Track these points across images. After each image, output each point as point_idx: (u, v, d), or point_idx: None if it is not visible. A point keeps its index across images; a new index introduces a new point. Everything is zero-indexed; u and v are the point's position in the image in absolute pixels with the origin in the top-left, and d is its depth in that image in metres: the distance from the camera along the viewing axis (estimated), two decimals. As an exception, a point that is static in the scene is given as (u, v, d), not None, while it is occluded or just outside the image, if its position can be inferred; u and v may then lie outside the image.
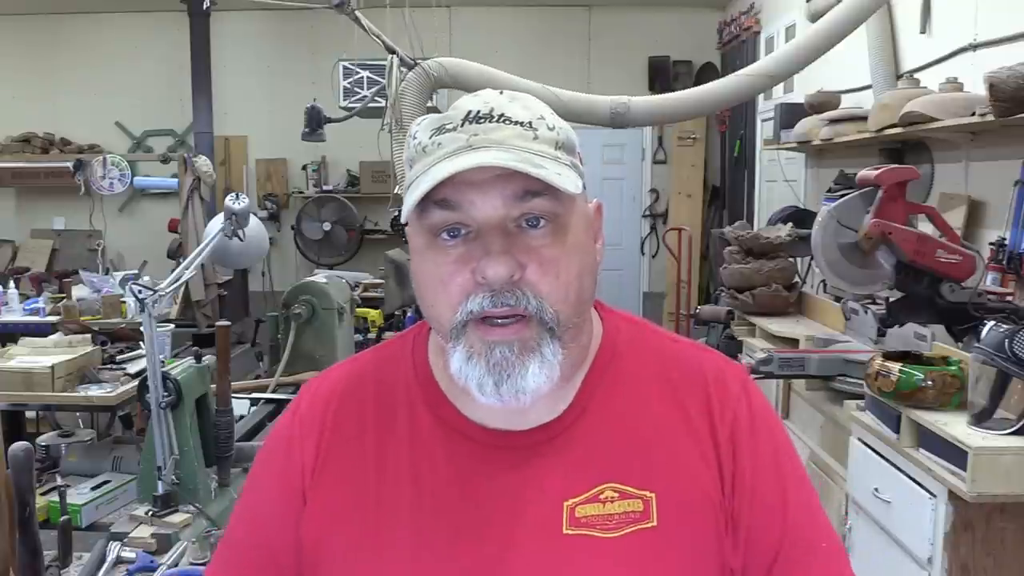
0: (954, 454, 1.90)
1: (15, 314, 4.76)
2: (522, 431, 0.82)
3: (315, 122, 3.83)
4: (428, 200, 0.75)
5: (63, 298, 4.78)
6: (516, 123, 0.76)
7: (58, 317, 4.41)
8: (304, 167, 7.45)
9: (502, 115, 0.76)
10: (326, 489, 0.84)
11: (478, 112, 0.76)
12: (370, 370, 0.90)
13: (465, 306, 0.75)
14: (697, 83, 4.64)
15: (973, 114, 2.63)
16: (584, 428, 0.82)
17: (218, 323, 2.22)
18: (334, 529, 0.82)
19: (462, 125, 0.76)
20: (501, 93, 0.80)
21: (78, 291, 4.78)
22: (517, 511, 0.79)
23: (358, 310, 4.12)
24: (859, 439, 2.36)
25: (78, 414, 3.67)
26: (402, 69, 3.36)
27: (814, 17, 4.02)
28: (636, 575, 0.78)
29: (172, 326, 4.12)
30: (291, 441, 0.87)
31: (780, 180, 5.14)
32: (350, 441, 0.85)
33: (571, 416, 0.83)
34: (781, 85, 4.50)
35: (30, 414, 3.68)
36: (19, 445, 1.46)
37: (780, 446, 0.86)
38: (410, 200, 0.74)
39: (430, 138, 0.77)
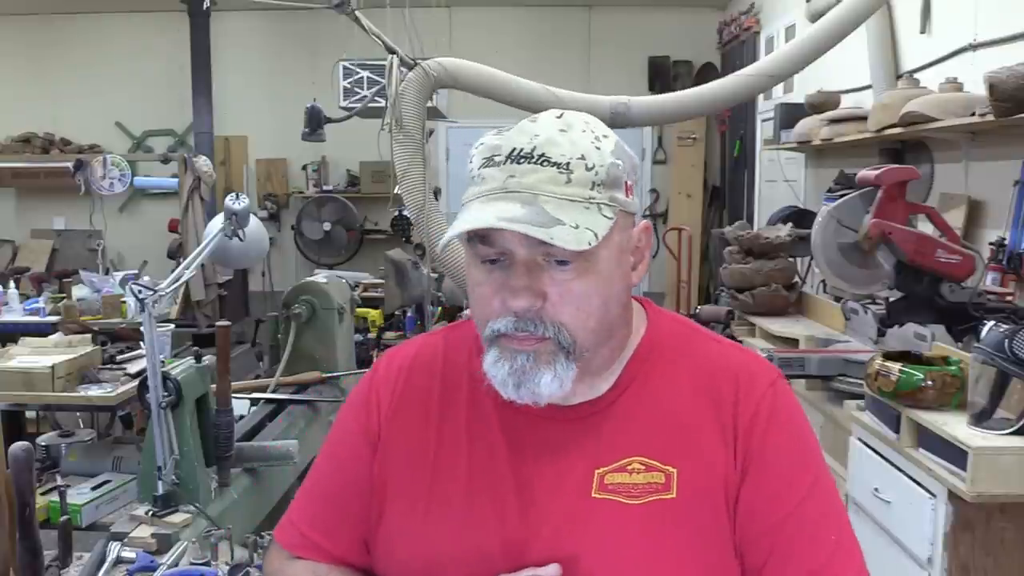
0: (954, 454, 1.90)
1: (15, 314, 4.75)
2: (566, 407, 0.93)
3: (315, 122, 3.82)
4: (472, 231, 0.86)
5: (63, 298, 4.77)
6: (553, 164, 0.84)
7: (58, 317, 4.40)
8: (304, 167, 7.46)
9: (542, 155, 0.84)
10: (395, 438, 0.98)
11: (521, 150, 0.85)
12: (440, 346, 1.03)
13: (494, 323, 0.88)
14: (697, 83, 4.64)
15: (973, 114, 2.63)
16: (619, 408, 0.93)
17: (218, 323, 2.21)
18: (398, 473, 0.96)
19: (505, 162, 0.85)
20: (560, 116, 0.88)
21: (78, 291, 4.77)
22: (555, 475, 0.91)
23: (358, 310, 4.11)
24: (859, 439, 2.36)
25: (78, 414, 3.66)
26: (402, 69, 3.35)
27: (814, 17, 4.02)
28: (653, 538, 0.88)
29: (172, 326, 4.11)
30: (370, 396, 1.02)
31: (780, 180, 5.14)
32: (418, 401, 0.99)
33: (609, 398, 0.94)
34: (781, 85, 4.50)
35: (30, 414, 3.68)
36: (19, 445, 1.45)
37: (797, 441, 0.94)
38: (448, 235, 0.86)
39: (479, 168, 0.87)
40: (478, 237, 0.86)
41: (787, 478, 0.91)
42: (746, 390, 0.93)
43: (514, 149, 0.85)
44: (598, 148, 0.86)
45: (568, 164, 0.84)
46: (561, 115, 0.88)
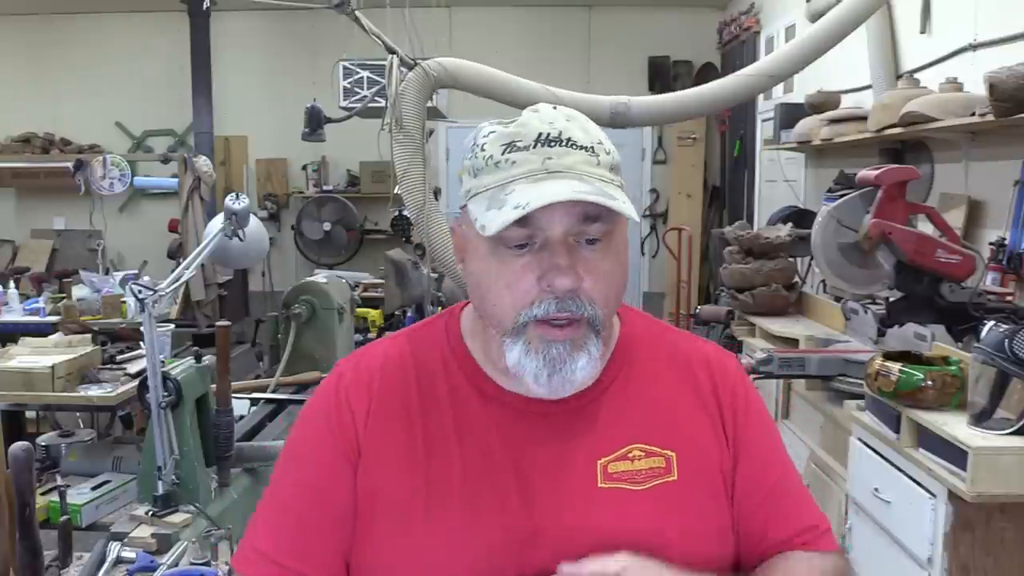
0: (954, 454, 1.90)
1: (15, 314, 4.76)
2: (555, 400, 0.92)
3: (315, 122, 3.83)
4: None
5: (63, 298, 4.77)
6: (581, 148, 0.86)
7: (58, 317, 4.41)
8: (304, 167, 7.45)
9: (569, 139, 0.86)
10: (378, 448, 0.93)
11: (548, 135, 0.86)
12: (407, 348, 0.99)
13: (530, 310, 0.86)
14: (697, 83, 4.64)
15: (973, 114, 2.63)
16: (609, 399, 0.95)
17: (218, 323, 2.22)
18: (389, 483, 0.91)
19: (534, 146, 0.85)
20: (555, 108, 0.90)
21: (78, 291, 4.78)
22: (556, 469, 0.91)
23: (358, 310, 4.12)
24: (859, 439, 2.36)
25: (78, 414, 3.67)
26: (402, 69, 3.35)
27: (814, 17, 4.02)
28: (662, 521, 0.91)
29: (172, 326, 4.11)
30: (340, 406, 0.95)
31: (780, 180, 5.14)
32: (397, 407, 0.94)
33: (598, 389, 0.95)
34: (781, 85, 4.50)
35: (30, 414, 3.68)
36: (19, 445, 1.46)
37: (765, 418, 1.03)
38: (501, 219, 0.82)
39: (502, 154, 0.86)
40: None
41: (767, 453, 0.99)
42: (720, 376, 0.99)
43: (540, 134, 0.86)
44: (604, 136, 0.90)
45: (593, 148, 0.87)
46: (556, 107, 0.90)
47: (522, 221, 0.83)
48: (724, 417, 0.97)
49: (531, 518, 0.89)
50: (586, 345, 0.88)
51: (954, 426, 1.94)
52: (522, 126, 0.87)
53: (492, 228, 0.83)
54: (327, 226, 7.14)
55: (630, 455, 0.92)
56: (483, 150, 0.87)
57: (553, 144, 0.85)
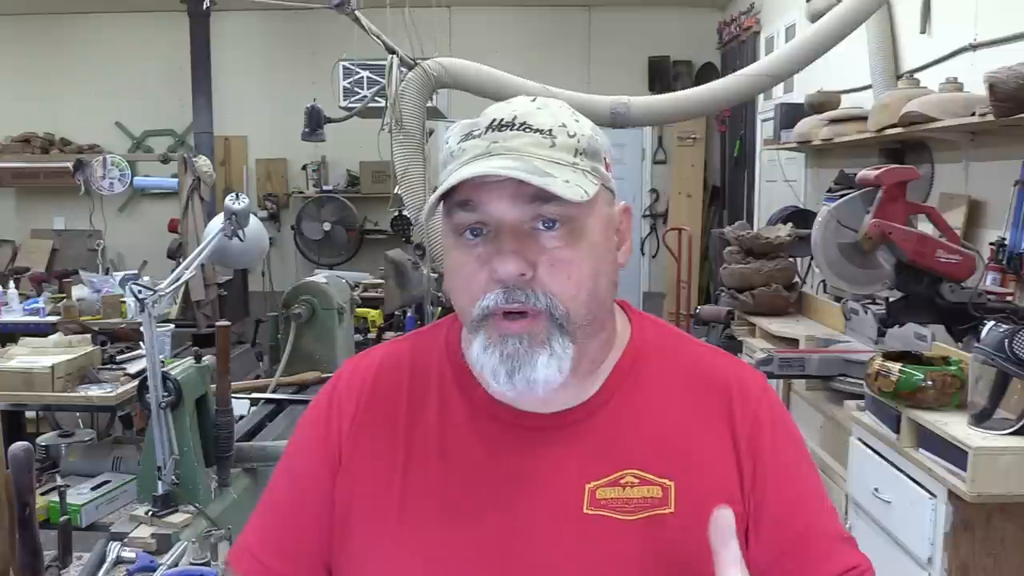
0: (954, 454, 1.90)
1: (15, 314, 4.75)
2: (546, 414, 0.87)
3: (315, 122, 3.83)
4: (452, 202, 0.82)
5: (63, 298, 4.77)
6: (536, 131, 0.82)
7: (58, 317, 4.40)
8: (304, 167, 7.45)
9: (524, 123, 0.82)
10: (358, 456, 0.90)
11: (502, 120, 0.83)
12: (406, 353, 0.96)
13: (482, 301, 0.81)
14: (697, 83, 4.64)
15: (973, 114, 2.63)
16: (606, 416, 0.87)
17: (218, 323, 2.22)
18: (364, 493, 0.88)
19: (485, 132, 0.83)
20: (533, 100, 0.86)
21: (78, 291, 4.78)
22: (540, 489, 0.84)
23: (358, 310, 4.11)
24: (859, 439, 2.37)
25: (78, 414, 3.66)
26: (402, 69, 3.35)
27: (814, 17, 4.02)
28: (650, 556, 0.82)
29: (172, 326, 4.12)
30: (330, 410, 0.93)
31: (780, 180, 5.14)
32: (383, 414, 0.91)
33: (594, 404, 0.87)
34: (781, 85, 4.50)
35: (30, 414, 3.68)
36: (19, 445, 1.45)
37: (799, 447, 0.92)
38: (430, 201, 0.82)
39: (458, 144, 0.84)
40: (459, 205, 0.81)
41: (797, 489, 0.88)
42: (741, 400, 0.89)
43: (494, 120, 0.83)
44: (576, 121, 0.85)
45: (551, 131, 0.82)
46: (535, 99, 0.87)
47: (467, 206, 0.81)
48: (739, 447, 0.86)
49: (508, 540, 0.83)
50: (548, 342, 0.80)
51: (954, 426, 1.95)
52: (483, 116, 0.85)
53: (426, 212, 0.84)
54: (327, 226, 7.15)
55: (623, 481, 0.84)
56: (447, 143, 0.86)
57: (504, 128, 0.82)
